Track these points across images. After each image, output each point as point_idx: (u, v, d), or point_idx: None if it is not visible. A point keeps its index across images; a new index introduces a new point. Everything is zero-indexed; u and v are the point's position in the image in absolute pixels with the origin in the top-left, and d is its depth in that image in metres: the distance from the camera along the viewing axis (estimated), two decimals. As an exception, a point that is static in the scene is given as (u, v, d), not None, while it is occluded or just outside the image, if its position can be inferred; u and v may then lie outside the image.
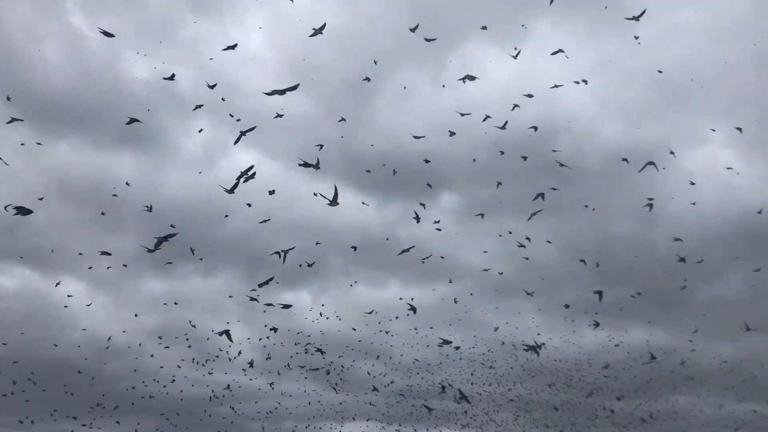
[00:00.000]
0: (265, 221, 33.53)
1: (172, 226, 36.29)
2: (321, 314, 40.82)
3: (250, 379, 40.64)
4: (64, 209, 39.33)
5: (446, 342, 38.10)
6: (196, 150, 45.89)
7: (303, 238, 42.49)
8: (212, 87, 33.13)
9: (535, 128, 36.93)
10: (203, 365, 38.66)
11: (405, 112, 50.03)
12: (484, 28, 34.96)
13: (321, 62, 48.70)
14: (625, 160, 36.04)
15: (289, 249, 31.00)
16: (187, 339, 37.58)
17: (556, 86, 35.41)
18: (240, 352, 38.87)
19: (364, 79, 35.37)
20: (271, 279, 31.47)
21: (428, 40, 33.28)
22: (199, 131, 41.51)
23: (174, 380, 38.91)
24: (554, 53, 35.17)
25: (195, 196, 40.66)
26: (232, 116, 34.50)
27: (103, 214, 35.36)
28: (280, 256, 31.06)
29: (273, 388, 40.92)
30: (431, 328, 42.34)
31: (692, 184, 34.80)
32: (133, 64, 45.74)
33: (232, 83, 47.54)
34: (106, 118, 42.84)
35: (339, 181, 49.13)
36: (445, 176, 46.41)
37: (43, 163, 39.07)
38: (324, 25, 31.63)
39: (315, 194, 30.42)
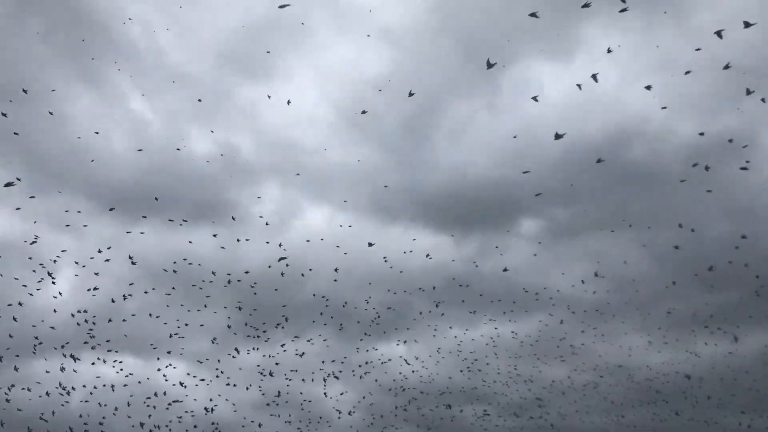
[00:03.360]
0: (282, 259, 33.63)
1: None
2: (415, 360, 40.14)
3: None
4: (152, 292, 40.23)
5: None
6: (269, 215, 46.37)
7: (384, 288, 42.03)
8: None
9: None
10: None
11: (465, 144, 49.36)
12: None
13: (373, 110, 48.83)
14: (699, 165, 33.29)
15: None
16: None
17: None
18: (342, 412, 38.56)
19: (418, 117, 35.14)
20: None
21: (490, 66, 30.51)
22: (257, 198, 42.23)
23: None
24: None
25: (274, 262, 40.87)
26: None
27: (194, 285, 36.37)
28: None
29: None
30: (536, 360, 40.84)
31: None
32: (195, 140, 47.14)
33: (291, 143, 48.24)
34: (177, 198, 43.93)
35: (412, 224, 48.71)
36: (519, 202, 45.21)
37: (128, 251, 40.23)
38: None
39: None
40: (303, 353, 38.94)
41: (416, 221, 45.14)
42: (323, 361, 39.93)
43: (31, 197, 34.06)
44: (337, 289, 39.45)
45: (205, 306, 39.84)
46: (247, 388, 38.70)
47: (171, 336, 37.07)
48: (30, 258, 35.95)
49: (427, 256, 39.69)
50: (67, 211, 35.02)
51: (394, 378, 40.02)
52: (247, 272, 37.62)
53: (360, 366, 40.15)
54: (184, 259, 36.46)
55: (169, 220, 37.11)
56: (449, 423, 40.12)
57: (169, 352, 37.06)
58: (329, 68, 49.50)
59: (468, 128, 49.12)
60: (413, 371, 39.79)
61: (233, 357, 40.01)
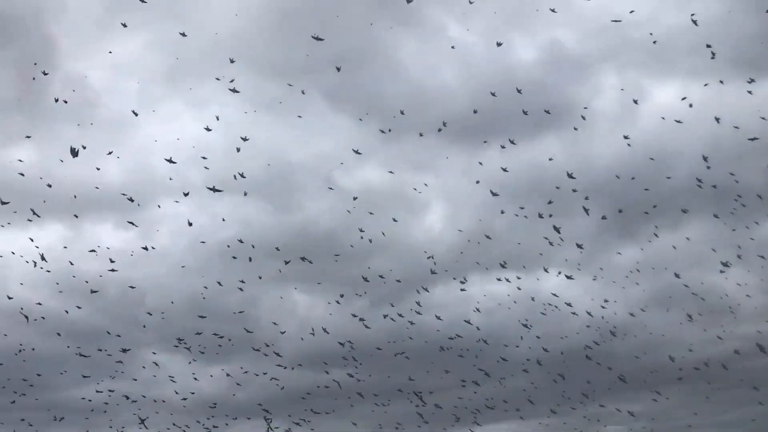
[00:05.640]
0: None
1: None
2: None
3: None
4: (517, 209, 41.08)
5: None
6: (610, 108, 43.17)
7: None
8: None
9: None
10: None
11: None
12: None
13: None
14: None
15: None
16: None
17: None
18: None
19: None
20: None
21: None
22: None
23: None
24: None
25: (626, 155, 38.05)
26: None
27: (550, 202, 36.06)
28: None
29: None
30: None
31: None
32: (519, 47, 45.76)
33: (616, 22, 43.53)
34: (514, 112, 43.48)
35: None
36: None
37: (481, 176, 41.56)
38: None
39: None
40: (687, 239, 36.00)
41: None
42: (713, 249, 36.34)
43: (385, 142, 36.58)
44: (709, 168, 34.90)
45: (572, 212, 39.32)
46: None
47: (548, 245, 37.49)
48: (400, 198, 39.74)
49: None
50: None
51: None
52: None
53: (755, 246, 35.62)
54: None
55: (510, 141, 36.52)
56: None
57: (546, 263, 37.99)
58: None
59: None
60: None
61: (609, 258, 39.15)
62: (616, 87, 44.08)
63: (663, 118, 35.22)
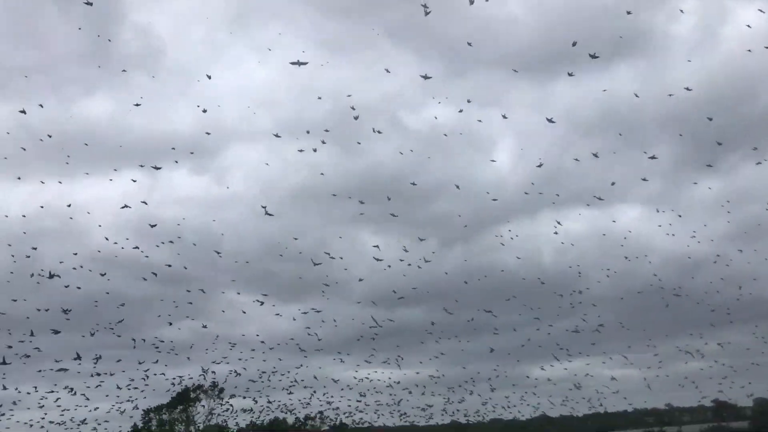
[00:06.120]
0: None
1: None
2: None
3: None
4: (582, 144, 40.08)
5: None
6: (689, 35, 40.69)
7: None
8: None
9: None
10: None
11: None
12: None
13: None
14: None
15: None
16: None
17: None
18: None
19: None
20: None
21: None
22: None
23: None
24: None
25: (705, 82, 36.08)
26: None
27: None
28: None
29: None
30: None
31: None
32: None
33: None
34: (591, 40, 41.77)
35: None
36: None
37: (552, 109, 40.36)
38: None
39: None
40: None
41: None
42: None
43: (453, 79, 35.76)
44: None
45: (641, 147, 37.99)
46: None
47: (614, 183, 36.57)
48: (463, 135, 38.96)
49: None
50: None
51: None
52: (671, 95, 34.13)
53: None
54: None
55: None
56: None
57: (618, 198, 37.09)
58: None
59: None
60: None
61: (687, 192, 37.69)
62: (697, 8, 41.49)
63: (750, 50, 32.84)
